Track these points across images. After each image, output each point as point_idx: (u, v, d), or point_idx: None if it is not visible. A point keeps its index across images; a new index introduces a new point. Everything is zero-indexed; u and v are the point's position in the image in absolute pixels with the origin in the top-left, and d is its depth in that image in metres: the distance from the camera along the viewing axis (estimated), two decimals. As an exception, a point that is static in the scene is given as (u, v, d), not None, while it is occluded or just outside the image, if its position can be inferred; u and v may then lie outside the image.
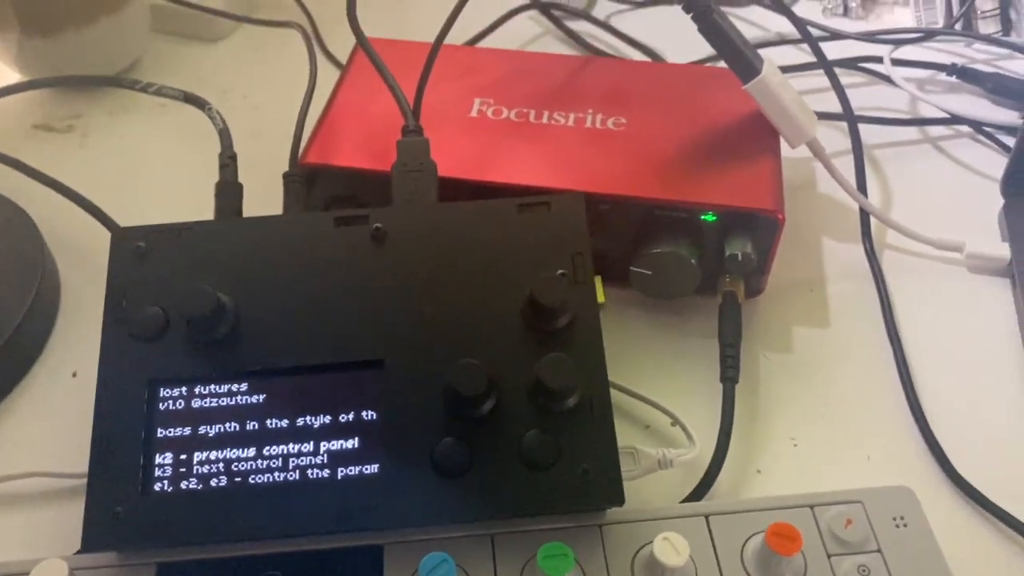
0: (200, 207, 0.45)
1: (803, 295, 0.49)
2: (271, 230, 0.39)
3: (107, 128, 0.60)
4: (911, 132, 0.60)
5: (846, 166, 0.52)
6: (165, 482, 0.35)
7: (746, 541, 0.36)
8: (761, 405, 0.44)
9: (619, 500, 0.35)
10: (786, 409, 0.44)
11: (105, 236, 0.50)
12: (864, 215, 0.52)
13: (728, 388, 0.42)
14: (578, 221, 0.39)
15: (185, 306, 0.36)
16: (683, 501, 0.39)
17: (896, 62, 0.62)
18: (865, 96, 0.61)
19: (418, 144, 0.43)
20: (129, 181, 0.56)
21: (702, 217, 0.44)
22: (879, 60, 0.61)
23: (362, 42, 0.47)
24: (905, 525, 0.37)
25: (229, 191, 0.43)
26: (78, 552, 0.36)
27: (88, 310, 0.49)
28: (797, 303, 0.49)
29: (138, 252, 0.39)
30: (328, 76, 0.57)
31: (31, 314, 0.46)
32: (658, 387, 0.43)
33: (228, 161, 0.43)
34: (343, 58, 0.62)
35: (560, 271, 0.38)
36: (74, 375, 0.46)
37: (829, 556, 0.36)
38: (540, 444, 0.35)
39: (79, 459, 0.41)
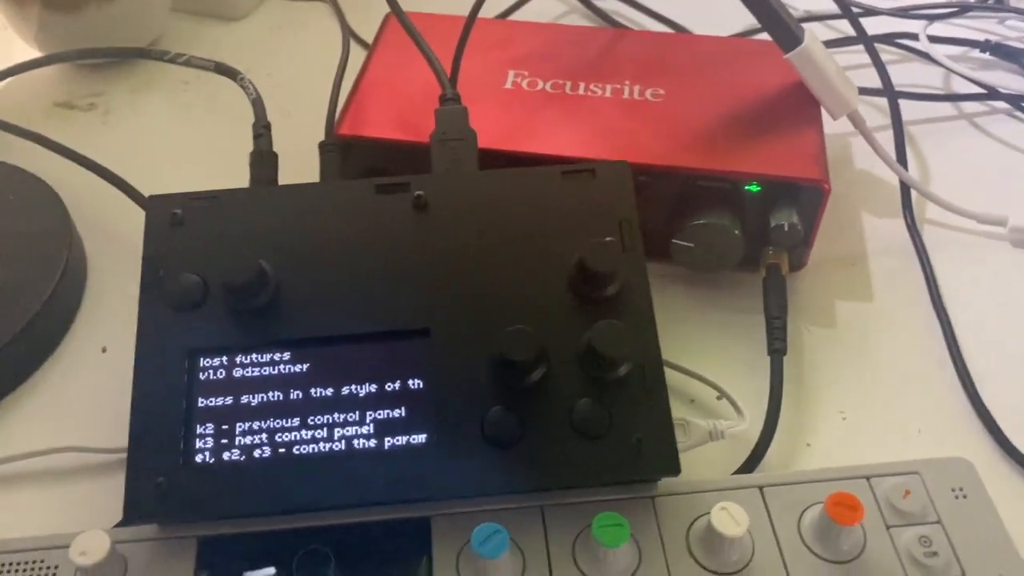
0: (229, 183, 0.44)
1: (845, 270, 0.48)
2: (310, 197, 0.38)
3: (129, 105, 0.59)
4: (947, 108, 0.59)
5: (884, 142, 0.51)
6: (207, 453, 0.34)
7: (803, 512, 0.35)
8: (807, 379, 0.43)
9: (675, 470, 0.34)
10: (833, 383, 0.43)
11: (132, 211, 0.50)
12: (905, 189, 0.51)
13: (776, 360, 0.41)
14: (624, 188, 0.38)
15: (227, 273, 0.35)
16: (734, 473, 0.39)
17: (930, 39, 0.61)
18: (898, 73, 0.60)
19: (457, 112, 0.42)
20: (153, 158, 0.55)
21: (745, 188, 0.43)
22: (914, 36, 0.60)
23: (396, 9, 0.46)
24: (965, 496, 0.36)
25: (264, 160, 0.42)
26: (118, 525, 0.36)
27: (116, 286, 0.48)
28: (839, 277, 0.48)
29: (174, 220, 0.38)
30: (354, 54, 0.56)
31: (59, 289, 0.45)
32: (702, 361, 0.42)
33: (263, 131, 0.42)
34: (366, 36, 0.61)
35: (608, 238, 0.37)
36: (104, 350, 0.45)
37: (888, 528, 0.35)
38: (592, 413, 0.34)
39: (112, 434, 0.41)
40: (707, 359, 0.43)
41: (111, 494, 0.39)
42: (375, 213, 0.38)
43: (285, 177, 0.44)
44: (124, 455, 0.40)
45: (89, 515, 0.38)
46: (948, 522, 0.35)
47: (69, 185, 0.50)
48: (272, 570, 0.34)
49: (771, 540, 0.35)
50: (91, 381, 0.44)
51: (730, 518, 0.33)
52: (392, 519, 0.35)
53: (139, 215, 0.49)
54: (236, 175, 0.43)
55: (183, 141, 0.57)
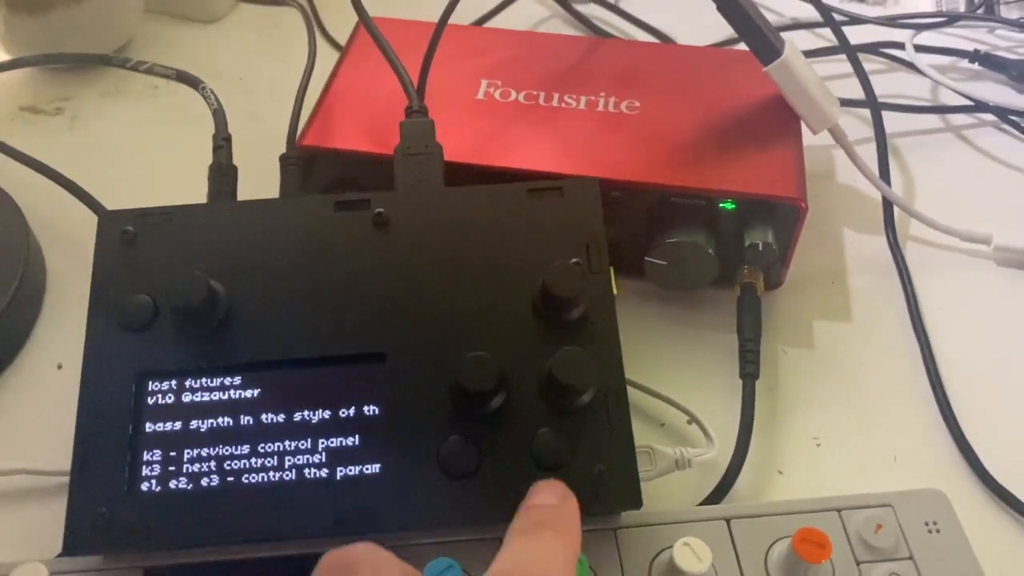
0: (194, 193, 0.42)
1: (823, 288, 0.47)
2: (267, 214, 0.37)
3: (97, 111, 0.58)
4: (932, 120, 0.57)
5: (867, 155, 0.50)
6: (153, 481, 0.33)
7: (770, 547, 0.34)
8: (781, 402, 0.42)
9: (636, 503, 0.33)
10: (808, 407, 0.42)
11: (93, 221, 0.48)
12: (887, 205, 0.50)
13: (748, 384, 0.40)
14: (592, 207, 0.37)
15: (176, 294, 0.34)
16: (701, 504, 0.37)
17: (917, 48, 0.60)
18: (883, 83, 0.59)
19: (422, 125, 0.41)
20: (119, 165, 0.54)
21: (720, 205, 0.42)
22: (900, 46, 0.59)
23: (363, 18, 0.45)
24: (938, 531, 0.34)
25: (223, 174, 0.40)
26: (60, 555, 0.34)
27: (75, 299, 0.47)
28: (817, 296, 0.47)
29: (126, 237, 0.36)
30: (327, 59, 0.54)
31: (15, 303, 0.44)
32: (673, 383, 0.41)
33: (222, 143, 0.41)
34: (342, 40, 0.60)
35: (574, 260, 0.36)
36: (59, 367, 0.44)
37: (859, 563, 0.34)
38: (553, 443, 0.33)
39: (66, 456, 0.39)
40: (679, 380, 0.42)
41: (57, 520, 0.38)
42: (334, 231, 0.37)
43: (250, 187, 0.42)
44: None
45: (36, 542, 0.37)
46: (920, 558, 0.34)
47: (29, 193, 0.49)
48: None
49: (736, 574, 0.33)
50: (45, 399, 0.42)
51: (692, 554, 0.32)
52: (346, 550, 0.34)
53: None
54: (202, 183, 0.42)
55: (149, 149, 0.55)
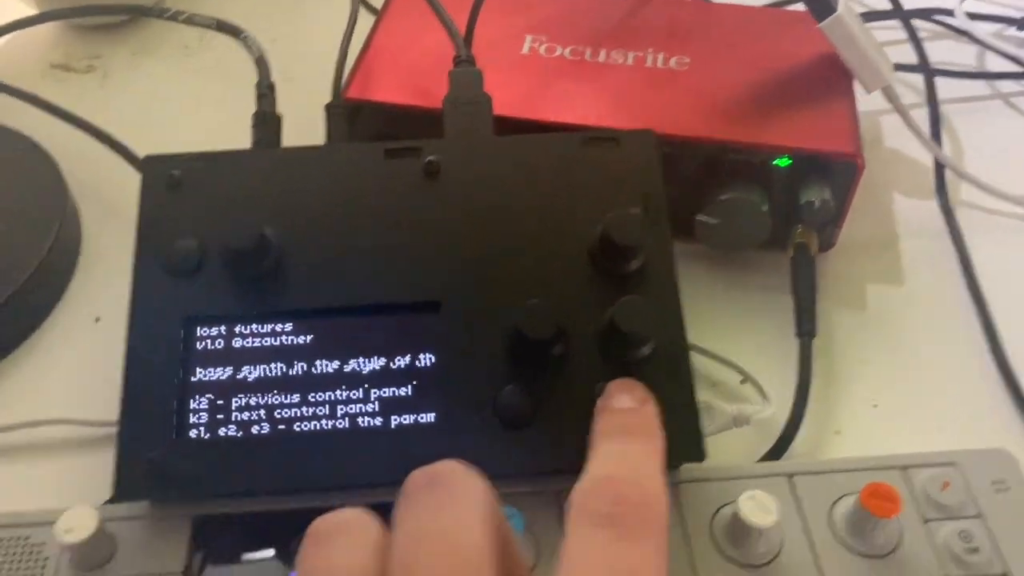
0: (231, 148, 0.42)
1: (875, 252, 0.46)
2: (316, 160, 0.36)
3: (129, 68, 0.57)
4: (980, 87, 0.56)
5: (918, 120, 0.49)
6: (202, 428, 0.32)
7: (834, 503, 0.33)
8: (836, 364, 0.41)
9: (699, 455, 0.32)
10: (863, 368, 0.41)
11: (129, 177, 0.47)
12: (939, 169, 0.49)
13: (805, 343, 0.39)
14: (650, 158, 0.36)
15: (227, 238, 0.33)
16: (760, 461, 0.36)
17: (967, 15, 0.58)
18: (931, 50, 0.57)
19: (471, 74, 0.40)
20: (152, 122, 0.53)
21: (775, 162, 0.41)
22: (949, 13, 0.58)
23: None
24: (1007, 489, 0.33)
25: (268, 122, 0.39)
26: (108, 502, 0.34)
27: (111, 254, 0.46)
28: (869, 260, 0.46)
29: (171, 181, 0.35)
30: (363, 18, 0.54)
31: (51, 255, 0.43)
32: (724, 344, 0.40)
33: (266, 91, 0.40)
34: (377, 3, 0.59)
35: (633, 210, 0.35)
36: (97, 320, 0.43)
37: (926, 521, 0.33)
38: (613, 394, 0.32)
39: (104, 407, 0.39)
40: (730, 342, 0.41)
41: (101, 470, 0.37)
42: (384, 179, 0.36)
43: (287, 144, 0.41)
44: (115, 429, 0.38)
45: (77, 491, 0.36)
46: (990, 516, 0.33)
47: (64, 149, 0.48)
48: (271, 551, 0.32)
49: (800, 532, 0.32)
50: (83, 352, 0.42)
51: (759, 507, 0.31)
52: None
53: (137, 181, 0.47)
54: (238, 141, 0.40)
55: (184, 105, 0.55)
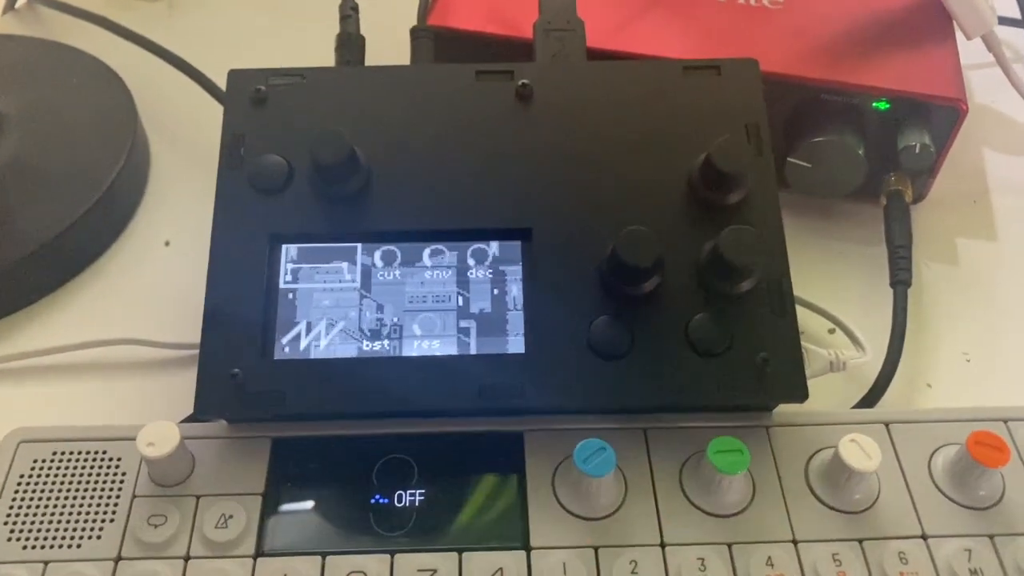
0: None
1: (966, 206, 0.44)
2: (406, 80, 0.35)
3: (196, -1, 0.56)
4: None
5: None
6: (286, 347, 0.31)
7: (933, 453, 0.32)
8: (928, 316, 0.39)
9: (801, 395, 0.30)
10: (955, 321, 0.39)
11: (196, 103, 0.47)
12: (1035, 123, 0.47)
13: (900, 291, 0.38)
14: (752, 88, 0.35)
15: (316, 153, 0.32)
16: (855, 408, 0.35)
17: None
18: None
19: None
20: (222, 48, 0.51)
21: (873, 104, 0.39)
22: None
23: None
24: (1114, 446, 0.32)
25: (352, 43, 0.38)
26: (185, 420, 0.33)
27: (179, 180, 0.45)
28: (960, 214, 0.44)
29: (257, 96, 0.34)
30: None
31: (122, 177, 0.42)
32: (814, 294, 0.39)
33: (350, 12, 0.39)
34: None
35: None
36: (167, 244, 0.42)
37: (1031, 475, 0.32)
38: (712, 328, 0.31)
39: (174, 329, 0.38)
40: (819, 291, 0.39)
41: (170, 391, 0.37)
42: (475, 101, 0.35)
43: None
44: (185, 352, 0.38)
45: (145, 412, 0.35)
46: (1096, 472, 0.32)
47: (133, 73, 0.47)
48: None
49: (899, 480, 0.31)
50: (154, 274, 0.41)
51: (860, 451, 0.30)
52: (482, 431, 0.32)
53: (204, 107, 0.46)
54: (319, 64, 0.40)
55: (254, 32, 0.54)
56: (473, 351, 0.31)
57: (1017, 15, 0.49)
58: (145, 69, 0.48)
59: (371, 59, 0.40)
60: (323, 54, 0.40)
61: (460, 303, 0.32)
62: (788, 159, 0.40)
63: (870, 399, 0.35)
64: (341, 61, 0.38)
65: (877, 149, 0.40)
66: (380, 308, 0.32)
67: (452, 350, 0.31)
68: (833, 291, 0.40)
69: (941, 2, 0.42)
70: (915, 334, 0.39)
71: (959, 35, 0.43)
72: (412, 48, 0.40)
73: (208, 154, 0.47)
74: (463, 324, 0.32)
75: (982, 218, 0.44)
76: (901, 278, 0.38)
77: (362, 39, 0.39)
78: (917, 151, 0.39)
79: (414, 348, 0.31)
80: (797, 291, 0.38)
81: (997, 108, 0.49)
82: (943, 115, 0.39)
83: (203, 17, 0.55)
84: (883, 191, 0.41)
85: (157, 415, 0.34)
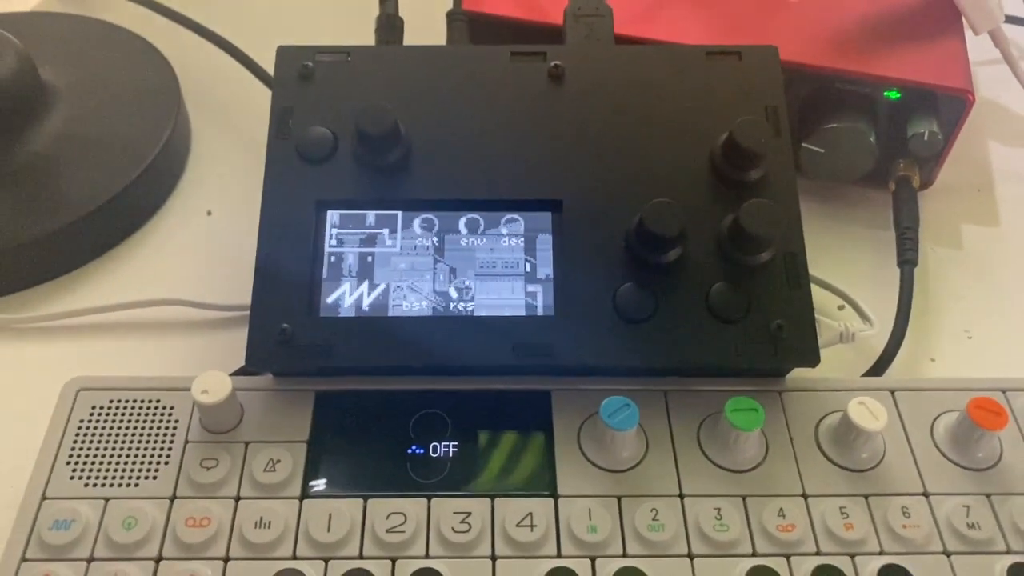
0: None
1: (971, 194, 0.47)
2: (444, 59, 0.37)
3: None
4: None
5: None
6: (331, 306, 0.33)
7: (936, 419, 0.34)
8: (932, 296, 0.42)
9: (814, 359, 0.33)
10: (958, 302, 0.41)
11: (236, 82, 0.49)
12: (1039, 117, 0.49)
13: (907, 271, 0.40)
14: (773, 73, 0.37)
15: (361, 123, 0.34)
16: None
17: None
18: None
19: (594, -12, 0.40)
20: (261, 29, 0.52)
21: (885, 94, 0.42)
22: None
23: None
24: (1104, 416, 0.34)
25: (391, 25, 0.40)
26: (234, 374, 0.35)
27: (218, 154, 0.48)
28: (965, 201, 0.46)
29: (304, 71, 0.36)
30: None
31: (167, 147, 0.45)
32: (825, 272, 0.41)
33: (390, -6, 0.41)
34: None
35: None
36: (209, 213, 0.44)
37: (1027, 440, 0.34)
38: (730, 296, 0.33)
39: (217, 291, 0.40)
40: (829, 270, 0.41)
41: (213, 348, 0.39)
42: (509, 80, 0.37)
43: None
44: (228, 313, 0.40)
45: (189, 368, 0.37)
46: (1089, 439, 0.34)
47: (175, 51, 0.49)
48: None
49: (903, 443, 0.33)
50: (196, 241, 0.43)
51: (868, 412, 0.32)
52: (512, 389, 0.34)
53: (244, 85, 0.48)
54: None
55: (294, 13, 0.56)
56: (506, 313, 0.34)
57: (1023, 13, 0.51)
58: (187, 47, 0.50)
59: (408, 41, 0.42)
60: (362, 36, 0.42)
61: (494, 267, 0.34)
62: (802, 144, 0.42)
63: (876, 370, 0.37)
64: (380, 42, 0.40)
65: (887, 136, 0.42)
66: (417, 270, 0.34)
67: (486, 312, 0.33)
68: (843, 271, 0.42)
69: (951, -2, 0.45)
70: (920, 312, 0.41)
71: (967, 31, 0.45)
72: (448, 31, 0.42)
73: (247, 130, 0.49)
74: (497, 286, 0.34)
75: (986, 206, 0.46)
76: (908, 258, 0.40)
77: (401, 21, 0.41)
78: (926, 138, 0.41)
79: (450, 309, 0.34)
80: (809, 270, 0.41)
81: (1002, 103, 0.51)
82: (951, 105, 0.41)
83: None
84: (892, 177, 0.43)
85: (200, 372, 0.36)
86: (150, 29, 0.50)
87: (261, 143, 0.36)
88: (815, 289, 0.40)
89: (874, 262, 0.42)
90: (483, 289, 0.34)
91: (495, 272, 0.34)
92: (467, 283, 0.34)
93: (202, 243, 0.43)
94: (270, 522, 0.30)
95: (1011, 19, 0.54)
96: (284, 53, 0.37)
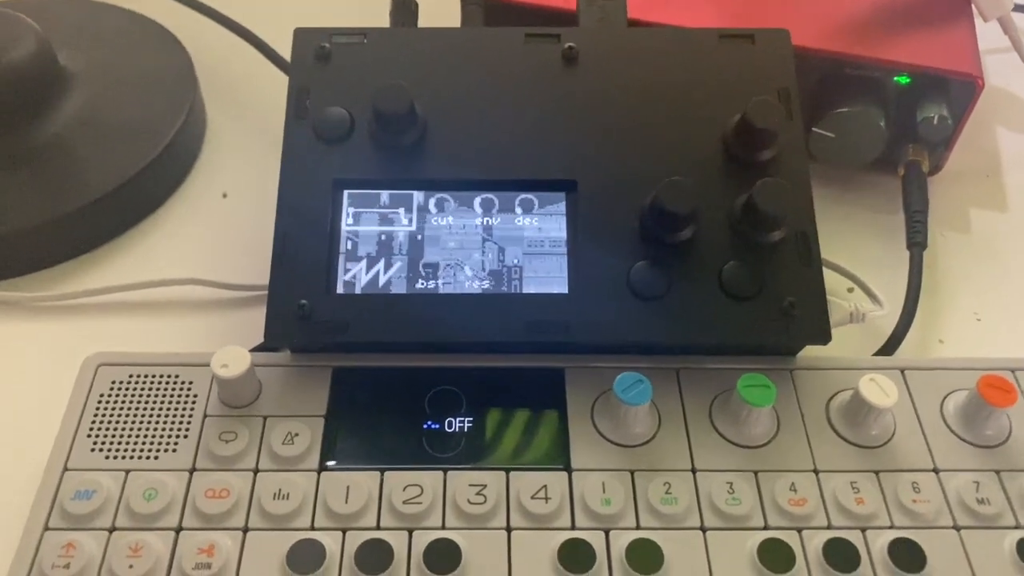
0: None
1: (979, 180, 0.47)
2: (459, 41, 0.38)
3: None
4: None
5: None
6: (349, 284, 0.34)
7: (945, 397, 0.34)
8: (941, 279, 0.42)
9: (825, 337, 0.33)
10: (967, 285, 0.42)
11: (251, 66, 0.49)
12: (1047, 104, 0.49)
13: (916, 254, 0.40)
14: (785, 56, 0.37)
15: (379, 102, 0.34)
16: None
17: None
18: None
19: (607, -28, 0.41)
20: (275, 13, 0.53)
21: (895, 79, 0.42)
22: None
23: None
24: (1112, 395, 0.35)
25: (406, 8, 0.41)
26: (257, 348, 0.36)
27: (233, 138, 0.48)
28: (973, 186, 0.46)
29: (321, 52, 0.37)
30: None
31: (183, 130, 0.45)
32: (835, 255, 0.41)
33: (405, -22, 0.41)
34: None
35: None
36: (224, 196, 0.45)
37: (1035, 418, 0.34)
38: (742, 274, 0.33)
39: (232, 271, 0.41)
40: (840, 253, 0.42)
41: (229, 326, 0.40)
42: (524, 62, 0.37)
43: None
44: (243, 292, 0.40)
45: (207, 345, 0.37)
46: (1097, 418, 0.34)
47: (190, 36, 0.50)
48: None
49: (913, 420, 0.34)
50: (211, 222, 0.44)
51: (879, 389, 0.32)
52: (526, 367, 0.34)
53: (258, 69, 0.49)
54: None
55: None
56: (520, 290, 0.34)
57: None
58: (202, 32, 0.50)
59: (423, 24, 0.42)
60: (376, 18, 0.43)
61: (509, 245, 0.34)
62: (813, 129, 0.43)
63: (886, 350, 0.38)
64: (395, 25, 0.41)
65: (897, 121, 0.43)
66: (434, 249, 0.34)
67: (501, 289, 0.34)
68: (853, 254, 0.42)
69: (961, -15, 0.45)
70: (929, 295, 0.41)
71: (977, 18, 0.45)
72: (463, 15, 0.42)
73: (261, 114, 0.50)
74: (512, 263, 0.34)
75: (994, 191, 0.46)
76: (917, 240, 0.40)
77: (415, 4, 0.41)
78: (935, 123, 0.41)
79: (464, 286, 0.34)
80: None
81: (1011, 90, 0.52)
82: (961, 89, 0.42)
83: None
84: (902, 161, 0.43)
85: (217, 349, 0.37)
86: (166, 14, 0.50)
87: (275, 127, 0.36)
88: (826, 272, 0.40)
89: (884, 246, 0.43)
90: (498, 266, 0.34)
91: (512, 249, 0.35)
92: (482, 259, 0.34)
93: (218, 224, 0.43)
94: (288, 494, 0.31)
95: (1020, 7, 0.54)
96: (301, 35, 0.37)
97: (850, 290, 0.41)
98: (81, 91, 0.45)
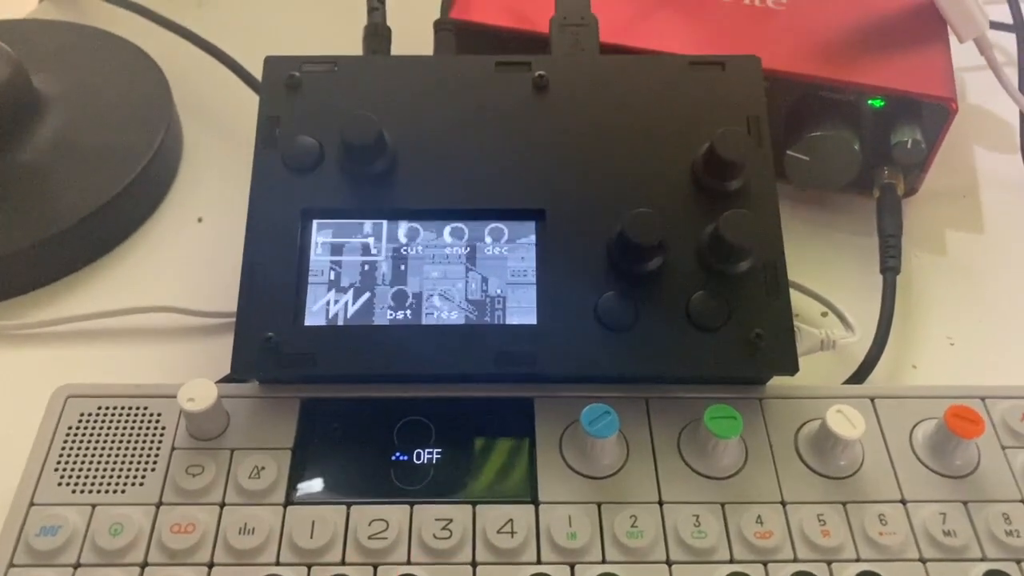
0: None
1: (956, 201, 0.47)
2: (429, 69, 0.37)
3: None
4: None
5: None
6: (316, 315, 0.34)
7: (915, 426, 0.34)
8: (915, 302, 0.42)
9: (792, 368, 0.33)
10: (941, 308, 0.42)
11: (227, 90, 0.49)
12: (1024, 124, 0.49)
13: (889, 278, 0.40)
14: (755, 83, 0.37)
15: (347, 133, 0.34)
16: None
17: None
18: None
19: (579, -3, 0.41)
20: (252, 38, 0.54)
21: (869, 102, 0.42)
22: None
23: None
24: (1084, 423, 0.35)
25: (379, 34, 0.41)
26: (220, 381, 0.36)
27: (210, 162, 0.48)
28: (950, 208, 0.46)
29: (291, 81, 0.37)
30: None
31: (159, 155, 0.45)
32: (808, 279, 0.41)
33: (378, 3, 0.41)
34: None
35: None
36: (200, 220, 0.45)
37: (1004, 448, 0.34)
38: (710, 305, 0.33)
39: (207, 298, 0.41)
40: (812, 277, 0.42)
41: (202, 355, 0.40)
42: (494, 90, 0.37)
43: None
44: (217, 320, 0.40)
45: (179, 374, 0.38)
46: (1067, 447, 0.34)
47: (167, 59, 0.50)
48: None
49: (882, 450, 0.34)
50: (188, 247, 0.44)
51: (846, 420, 0.32)
52: (495, 397, 0.34)
53: (235, 93, 0.49)
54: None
55: (284, 22, 0.56)
56: (489, 322, 0.34)
57: (1008, 20, 0.51)
58: (179, 55, 0.50)
59: (396, 51, 0.42)
60: (350, 45, 0.43)
61: (478, 276, 0.34)
62: (788, 152, 0.43)
63: (858, 377, 0.38)
64: (368, 51, 0.41)
65: (871, 144, 0.43)
66: (404, 280, 0.34)
67: (469, 320, 0.34)
68: (826, 277, 0.42)
69: (936, 6, 0.45)
70: (903, 319, 0.41)
71: (952, 38, 0.45)
72: (435, 40, 0.42)
73: (238, 138, 0.50)
74: (480, 295, 0.34)
75: (971, 212, 0.46)
76: (890, 265, 0.40)
77: (388, 30, 0.41)
78: (909, 147, 0.41)
79: (433, 318, 0.34)
80: (792, 277, 0.41)
81: (988, 109, 0.52)
82: (934, 113, 0.42)
83: (234, 7, 0.57)
84: (876, 184, 0.43)
85: (190, 378, 0.37)
86: (143, 37, 0.51)
87: (253, 151, 0.36)
88: (798, 296, 0.41)
89: (859, 268, 0.42)
90: (466, 297, 0.34)
91: (480, 280, 0.34)
92: (451, 290, 0.34)
93: (193, 250, 0.43)
94: (254, 528, 0.31)
95: (996, 25, 0.54)
96: (271, 63, 0.37)
97: (824, 314, 0.41)
98: (56, 115, 0.45)
